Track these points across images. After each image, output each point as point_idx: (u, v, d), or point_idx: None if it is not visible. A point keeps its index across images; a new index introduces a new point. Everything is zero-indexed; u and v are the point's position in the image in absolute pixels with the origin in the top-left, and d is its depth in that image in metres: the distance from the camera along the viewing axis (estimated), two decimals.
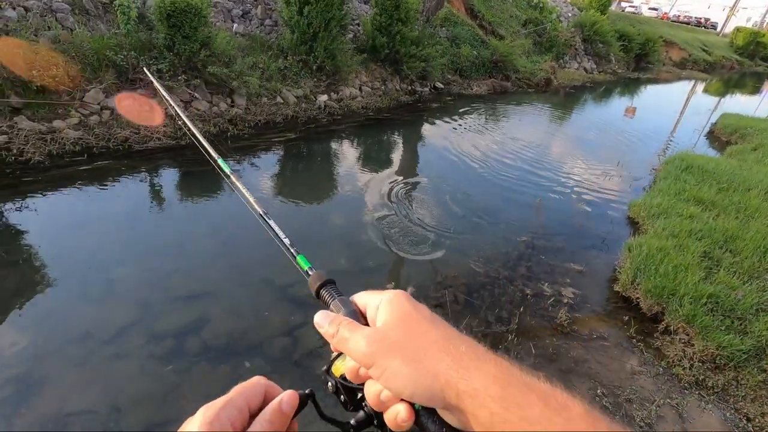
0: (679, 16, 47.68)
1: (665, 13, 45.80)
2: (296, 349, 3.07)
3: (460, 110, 10.31)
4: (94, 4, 6.85)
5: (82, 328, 3.02)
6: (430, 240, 4.60)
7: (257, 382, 0.43)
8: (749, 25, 45.60)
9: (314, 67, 8.51)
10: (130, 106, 6.02)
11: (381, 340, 0.41)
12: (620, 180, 7.19)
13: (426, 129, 8.81)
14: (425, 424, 0.40)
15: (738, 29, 34.77)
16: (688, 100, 17.61)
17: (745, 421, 2.89)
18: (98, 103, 5.86)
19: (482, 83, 12.74)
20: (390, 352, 0.40)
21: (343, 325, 0.43)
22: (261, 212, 0.73)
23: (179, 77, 6.50)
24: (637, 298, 3.92)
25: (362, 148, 7.55)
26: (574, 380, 3.08)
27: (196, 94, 6.76)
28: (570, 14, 20.75)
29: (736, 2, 44.22)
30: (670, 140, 10.46)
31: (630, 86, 18.48)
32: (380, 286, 3.78)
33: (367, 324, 0.44)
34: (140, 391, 2.64)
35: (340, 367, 0.47)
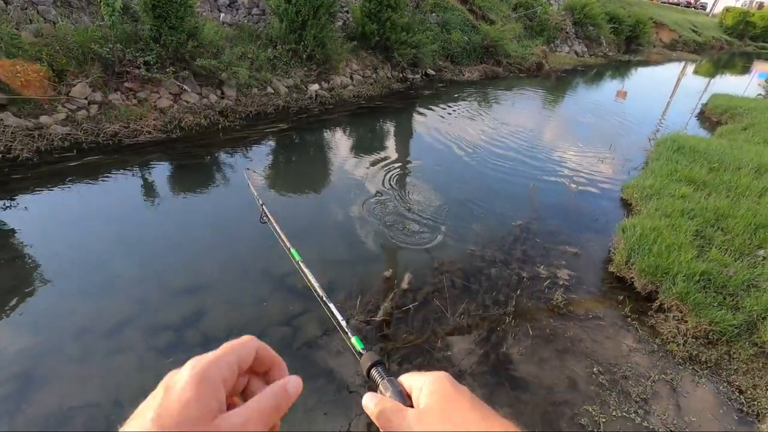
0: None
1: None
2: (296, 338, 3.09)
3: (453, 97, 10.26)
4: None
5: (79, 324, 3.01)
6: (425, 227, 4.61)
7: (249, 340, 0.40)
8: (738, 4, 45.55)
9: (304, 56, 8.41)
10: None
11: (421, 423, 0.42)
12: (613, 163, 7.23)
13: (418, 116, 8.77)
14: None
15: (727, 9, 34.81)
16: (678, 81, 17.65)
17: (737, 394, 2.96)
18: (85, 98, 5.76)
19: (474, 69, 12.67)
20: None
21: (388, 408, 0.44)
22: (323, 296, 0.73)
23: (167, 69, 6.41)
24: (632, 277, 3.97)
25: (355, 137, 7.51)
26: (571, 360, 3.14)
27: (185, 87, 6.66)
28: None
29: None
30: (662, 122, 10.51)
31: (621, 69, 18.47)
32: (378, 273, 3.80)
33: (411, 405, 0.45)
34: (141, 384, 2.64)
35: None
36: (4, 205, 4.25)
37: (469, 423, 0.40)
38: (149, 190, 4.95)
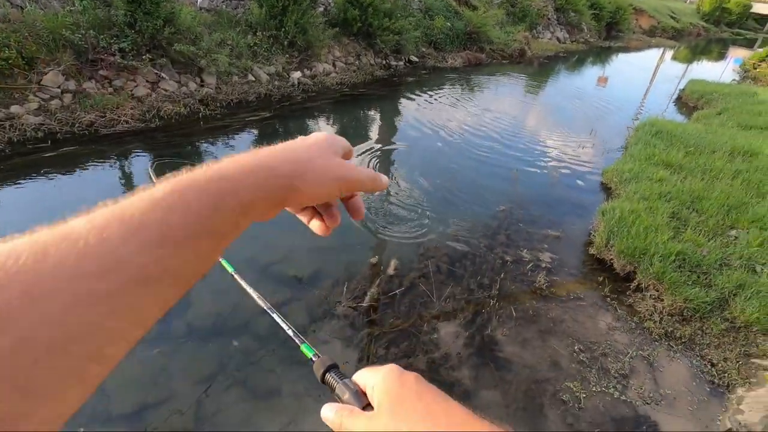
0: None
1: None
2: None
3: (436, 84, 10.25)
4: None
5: None
6: (410, 214, 4.64)
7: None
8: None
9: (285, 43, 8.26)
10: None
11: (372, 426, 0.41)
12: (594, 148, 7.36)
13: (402, 104, 8.74)
14: None
15: None
16: (657, 67, 17.95)
17: (709, 367, 3.10)
18: (58, 86, 5.56)
19: (457, 56, 12.65)
20: None
21: (345, 415, 0.44)
22: (264, 307, 0.70)
23: (143, 56, 6.22)
24: (611, 259, 4.08)
25: (339, 125, 7.46)
26: (553, 339, 3.23)
27: (162, 74, 6.49)
28: None
29: None
30: (641, 107, 10.71)
31: (602, 55, 18.68)
32: (363, 260, 3.82)
33: (368, 403, 0.45)
34: (128, 375, 2.63)
35: None
36: None
37: (416, 421, 0.39)
38: (128, 181, 4.85)
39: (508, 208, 4.99)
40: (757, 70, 15.26)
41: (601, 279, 3.94)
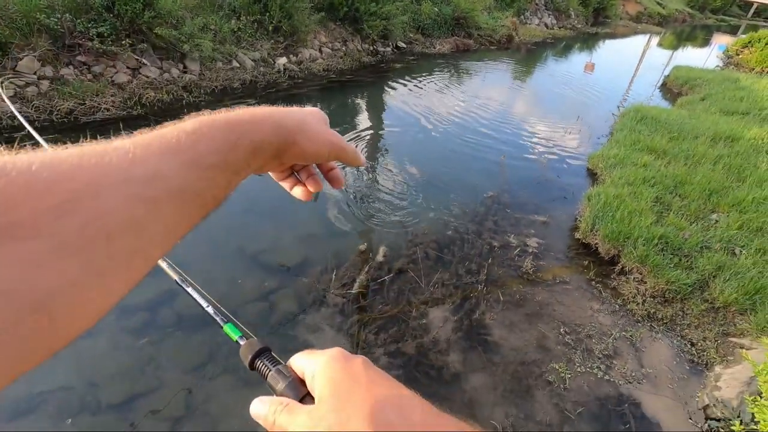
0: None
1: None
2: (273, 313, 3.10)
3: (424, 70, 10.17)
4: None
5: None
6: (398, 200, 4.65)
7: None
8: None
9: (270, 28, 8.09)
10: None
11: (312, 422, 0.35)
12: (580, 134, 7.42)
13: (390, 90, 8.67)
14: None
15: None
16: (643, 54, 18.05)
17: (689, 346, 3.20)
18: (34, 73, 5.38)
19: (445, 42, 12.54)
20: None
21: (279, 411, 0.37)
22: (176, 279, 0.60)
23: (123, 41, 6.03)
24: (596, 243, 4.15)
25: (326, 111, 7.27)
26: (540, 322, 3.29)
27: (144, 60, 6.32)
28: None
29: None
30: (627, 94, 10.79)
31: (589, 42, 18.71)
32: (351, 248, 3.82)
33: (307, 393, 0.39)
34: (116, 365, 2.62)
35: None
36: None
37: (364, 414, 0.34)
38: None
39: (496, 194, 5.02)
40: (740, 56, 15.46)
41: (586, 263, 4.01)
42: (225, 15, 7.80)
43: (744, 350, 2.96)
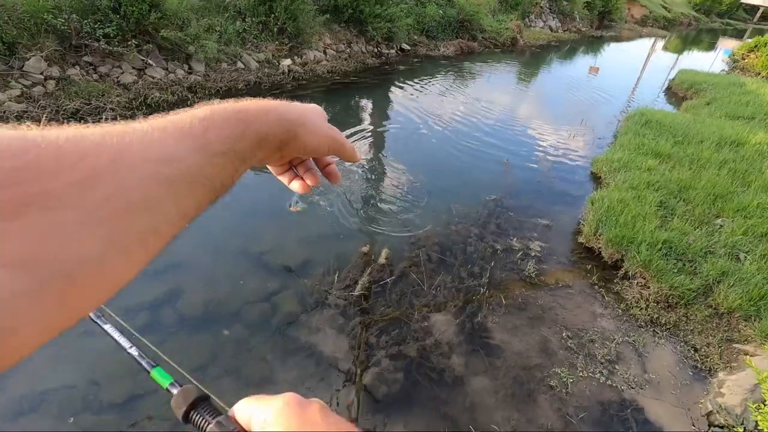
0: None
1: None
2: (275, 314, 3.10)
3: (428, 72, 10.18)
4: None
5: None
6: (401, 202, 4.65)
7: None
8: None
9: (275, 30, 8.12)
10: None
11: None
12: (584, 137, 7.40)
13: (394, 92, 8.68)
14: None
15: None
16: (648, 57, 18.00)
17: (693, 352, 3.18)
18: (41, 73, 5.42)
19: (449, 44, 12.55)
20: None
21: None
22: (90, 313, 0.50)
23: (129, 42, 6.08)
24: (599, 247, 4.14)
25: (330, 114, 7.38)
26: (542, 327, 3.28)
27: (149, 61, 6.36)
28: None
29: None
30: (632, 97, 10.76)
31: (594, 45, 18.67)
32: (353, 250, 3.83)
33: None
34: (117, 365, 2.62)
35: None
36: None
37: None
38: None
39: (499, 197, 5.02)
40: (746, 60, 15.39)
41: (589, 267, 3.99)
42: (230, 16, 7.84)
43: (748, 357, 2.94)
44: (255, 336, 2.93)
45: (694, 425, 2.68)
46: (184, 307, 3.04)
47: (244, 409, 0.36)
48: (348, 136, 5.91)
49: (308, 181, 0.55)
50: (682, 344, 3.25)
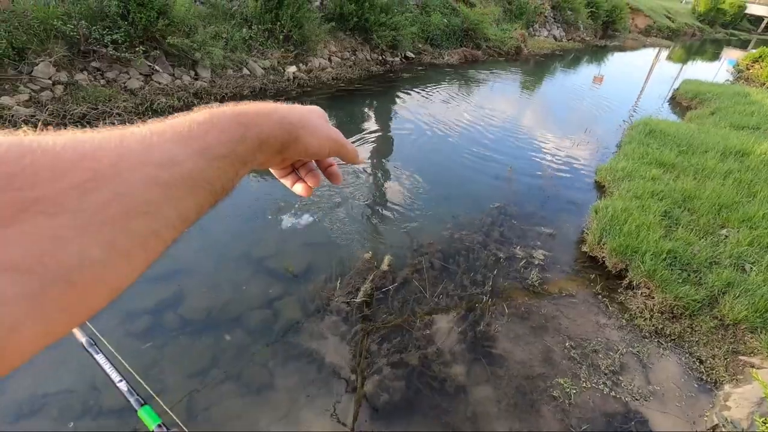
0: None
1: None
2: (277, 320, 3.10)
3: (432, 80, 10.23)
4: None
5: None
6: (404, 209, 4.64)
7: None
8: None
9: (281, 37, 8.20)
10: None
11: None
12: (588, 146, 7.39)
13: (398, 100, 8.72)
14: None
15: None
16: (652, 67, 18.02)
17: (698, 364, 3.14)
18: (49, 78, 5.49)
19: (453, 52, 12.62)
20: None
21: None
22: (83, 341, 0.47)
23: (137, 48, 6.15)
24: (603, 257, 4.11)
25: (335, 120, 7.42)
26: (545, 336, 3.25)
27: (156, 67, 6.42)
28: None
29: None
30: (636, 106, 10.76)
31: (598, 54, 18.72)
32: (356, 256, 3.82)
33: None
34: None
35: None
36: None
37: None
38: None
39: (503, 205, 5.01)
40: (750, 71, 15.38)
41: (593, 276, 3.97)
42: (237, 24, 7.92)
43: (754, 369, 2.90)
44: (256, 342, 2.92)
45: None
46: (185, 312, 3.04)
47: None
48: (352, 143, 5.97)
49: (310, 183, 0.56)
50: (687, 356, 3.21)
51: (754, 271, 3.86)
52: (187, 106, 6.32)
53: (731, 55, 23.30)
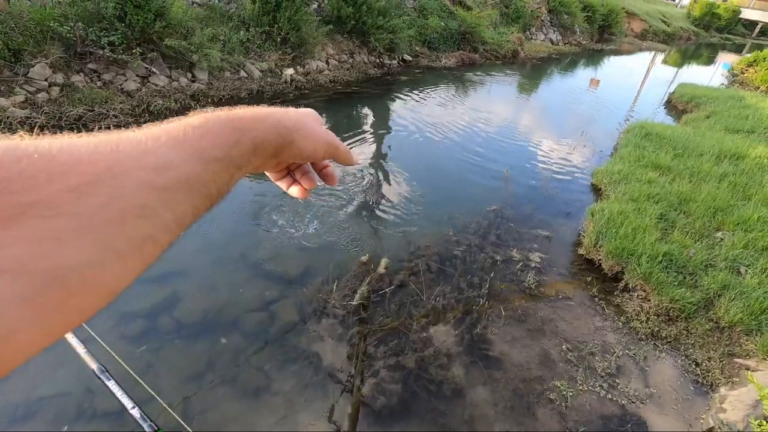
0: None
1: None
2: (273, 323, 3.09)
3: (429, 83, 10.26)
4: None
5: None
6: (401, 212, 4.65)
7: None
8: None
9: (278, 39, 8.21)
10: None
11: None
12: (584, 149, 7.42)
13: (395, 103, 8.73)
14: None
15: (695, 0, 35.75)
16: (648, 71, 18.14)
17: (694, 366, 3.15)
18: (45, 79, 5.47)
19: (450, 56, 12.66)
20: None
21: None
22: (94, 368, 0.49)
23: (133, 50, 6.13)
24: (599, 259, 4.13)
25: (332, 122, 7.43)
26: (542, 338, 3.26)
27: (153, 69, 6.41)
28: None
29: None
30: (632, 110, 10.82)
31: (594, 58, 18.83)
32: (353, 258, 3.82)
33: None
34: (113, 373, 2.60)
35: None
36: None
37: None
38: None
39: (499, 208, 5.02)
40: (745, 74, 15.51)
41: (589, 279, 3.98)
42: (234, 26, 7.93)
43: (750, 372, 2.91)
44: (253, 345, 2.91)
45: None
46: (181, 315, 3.03)
47: None
48: (348, 145, 5.94)
49: (305, 185, 0.56)
50: (683, 358, 3.22)
51: (749, 273, 3.88)
52: (184, 109, 6.31)
53: (726, 59, 23.48)
